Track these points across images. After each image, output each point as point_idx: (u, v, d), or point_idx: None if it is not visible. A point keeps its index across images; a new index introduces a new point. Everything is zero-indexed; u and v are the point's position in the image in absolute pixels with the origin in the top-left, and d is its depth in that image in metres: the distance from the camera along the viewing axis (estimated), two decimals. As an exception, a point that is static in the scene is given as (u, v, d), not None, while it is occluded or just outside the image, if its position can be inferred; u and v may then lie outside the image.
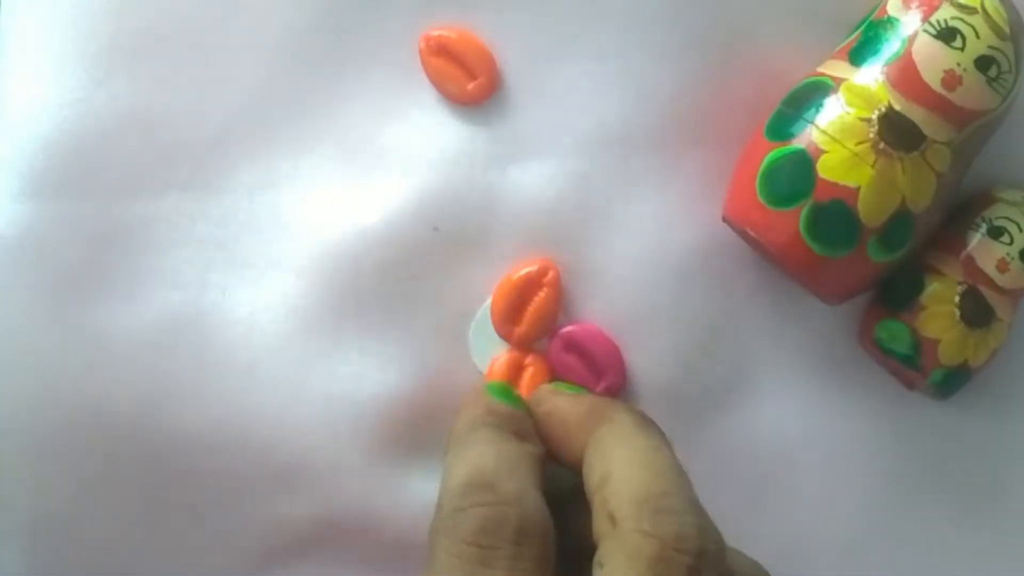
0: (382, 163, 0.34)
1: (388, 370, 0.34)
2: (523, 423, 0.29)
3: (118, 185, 0.34)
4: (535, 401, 0.30)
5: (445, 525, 0.25)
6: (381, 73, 0.34)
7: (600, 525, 0.25)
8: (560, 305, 0.34)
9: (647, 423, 0.28)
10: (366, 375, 0.34)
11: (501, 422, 0.29)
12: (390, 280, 0.34)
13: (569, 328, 0.34)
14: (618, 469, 0.26)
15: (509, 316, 0.34)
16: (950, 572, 0.35)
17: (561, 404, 0.29)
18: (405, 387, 0.34)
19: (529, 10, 0.34)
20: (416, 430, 0.34)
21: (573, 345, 0.34)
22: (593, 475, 0.26)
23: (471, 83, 0.34)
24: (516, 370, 0.34)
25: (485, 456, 0.27)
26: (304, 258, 0.34)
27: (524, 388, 0.34)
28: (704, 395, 0.34)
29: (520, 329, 0.34)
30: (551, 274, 0.34)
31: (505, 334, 0.34)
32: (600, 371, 0.34)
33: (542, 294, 0.34)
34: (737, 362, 0.35)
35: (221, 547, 0.34)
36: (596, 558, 0.24)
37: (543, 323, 0.34)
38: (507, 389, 0.31)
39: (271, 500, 0.34)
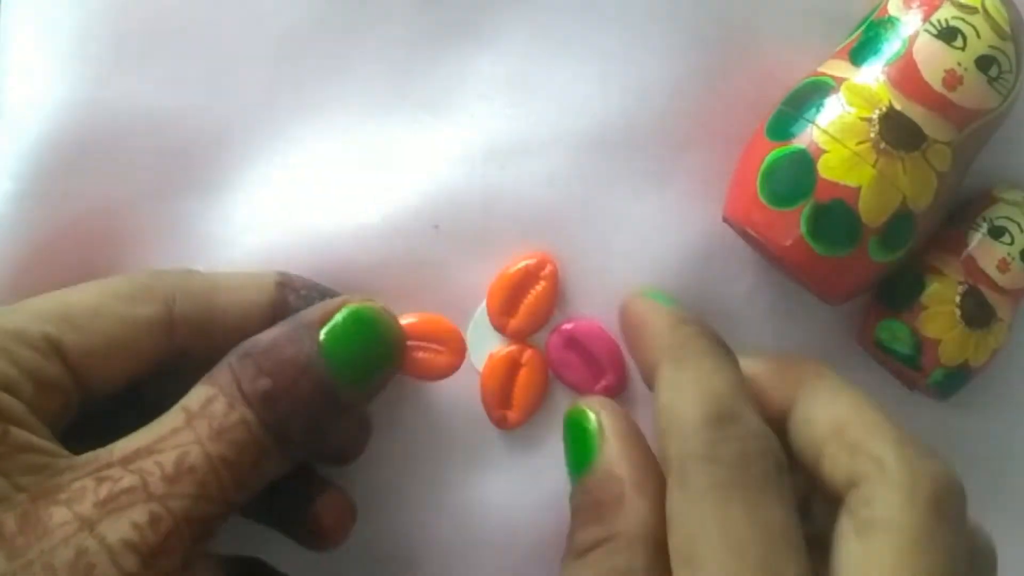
0: (383, 161, 0.34)
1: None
2: (719, 337, 0.29)
3: (120, 184, 0.34)
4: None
5: (701, 451, 0.25)
6: (382, 71, 0.34)
7: (858, 467, 0.25)
8: (556, 300, 0.34)
9: (843, 378, 0.28)
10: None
11: (706, 334, 0.29)
12: (389, 278, 0.34)
13: (569, 324, 0.34)
14: (852, 416, 0.27)
15: (505, 308, 0.34)
16: None
17: (745, 364, 0.29)
18: (403, 384, 0.34)
19: (529, 9, 0.34)
20: (415, 430, 0.34)
21: (573, 342, 0.34)
22: (818, 426, 0.27)
23: None
24: (513, 367, 0.34)
25: (719, 381, 0.27)
26: (304, 255, 0.34)
27: (519, 386, 0.34)
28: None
29: (515, 322, 0.34)
30: (549, 268, 0.34)
31: (500, 325, 0.34)
32: (600, 370, 0.34)
33: (539, 288, 0.34)
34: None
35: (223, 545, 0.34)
36: (856, 499, 0.25)
37: (538, 317, 0.34)
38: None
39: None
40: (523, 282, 0.34)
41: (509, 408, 0.34)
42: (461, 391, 0.34)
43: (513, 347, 0.34)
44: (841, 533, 0.25)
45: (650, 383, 0.28)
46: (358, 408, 0.30)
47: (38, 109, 0.33)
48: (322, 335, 0.29)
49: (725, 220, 0.33)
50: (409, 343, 0.32)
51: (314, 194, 0.34)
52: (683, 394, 0.27)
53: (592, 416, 0.29)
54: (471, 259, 0.34)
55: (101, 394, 0.29)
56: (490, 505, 0.34)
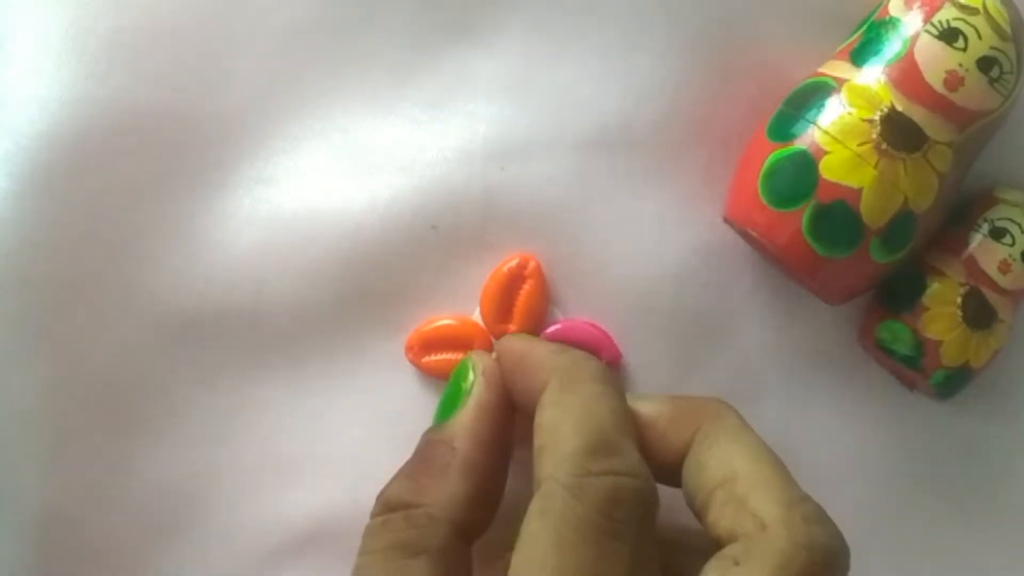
0: (381, 160, 0.34)
1: (386, 368, 0.34)
2: (605, 369, 0.28)
3: (117, 183, 0.33)
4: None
5: (569, 482, 0.25)
6: (382, 70, 0.34)
7: (740, 523, 0.25)
8: (547, 295, 0.34)
9: (744, 420, 0.28)
10: (363, 371, 0.34)
11: (591, 357, 0.28)
12: (387, 278, 0.34)
13: (554, 327, 0.34)
14: (745, 466, 0.26)
15: (500, 315, 0.33)
16: (949, 572, 0.35)
17: (644, 407, 0.29)
18: (405, 384, 0.34)
19: (529, 9, 0.34)
20: (413, 431, 0.34)
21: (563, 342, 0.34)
22: (710, 471, 0.26)
23: None
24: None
25: (602, 411, 0.26)
26: (303, 254, 0.34)
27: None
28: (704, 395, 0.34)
29: (513, 327, 0.33)
30: (532, 265, 0.33)
31: (498, 333, 0.33)
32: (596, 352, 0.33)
33: (527, 287, 0.33)
34: (737, 362, 0.35)
35: (223, 544, 0.34)
36: (728, 553, 0.24)
37: (534, 317, 0.33)
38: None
39: (272, 496, 0.34)
40: (511, 285, 0.33)
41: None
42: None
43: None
44: None
45: (532, 409, 0.28)
46: None
47: (34, 107, 0.33)
48: None
49: (725, 220, 0.33)
50: None
51: (313, 194, 0.34)
52: (566, 415, 0.26)
53: (471, 376, 0.30)
54: (470, 260, 0.34)
55: None
56: None
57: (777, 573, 0.23)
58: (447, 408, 0.30)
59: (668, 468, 0.27)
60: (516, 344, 0.31)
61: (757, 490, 0.25)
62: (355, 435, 0.34)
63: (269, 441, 0.34)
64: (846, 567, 0.24)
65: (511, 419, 0.30)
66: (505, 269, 0.33)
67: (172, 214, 0.34)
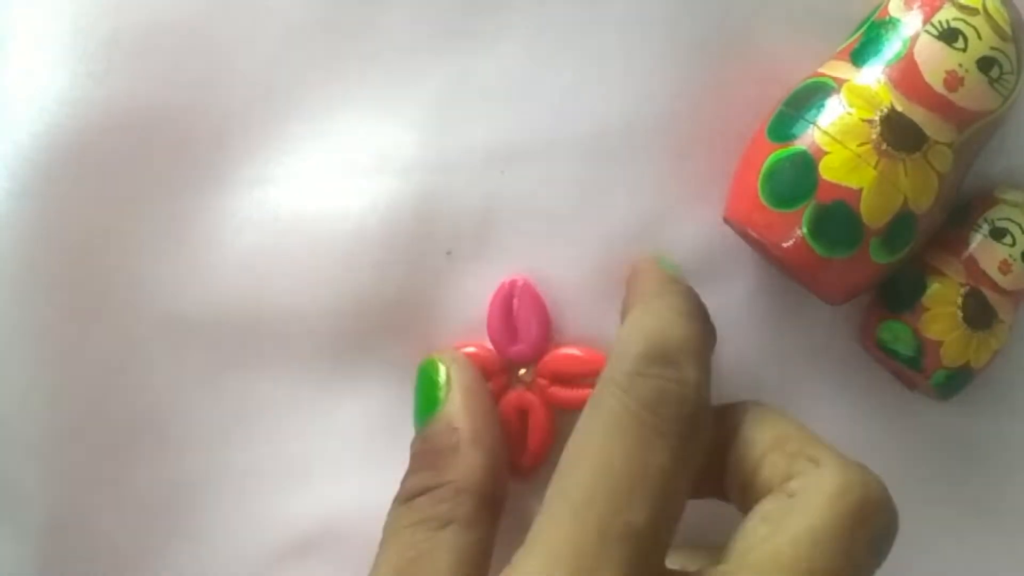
0: (381, 162, 0.34)
1: (386, 370, 0.34)
2: (702, 306, 0.29)
3: (116, 183, 0.33)
4: None
5: (621, 380, 0.26)
6: (381, 72, 0.34)
7: (795, 465, 0.26)
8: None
9: None
10: (364, 373, 0.34)
11: (688, 294, 0.29)
12: (386, 279, 0.34)
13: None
14: (796, 431, 0.27)
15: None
16: (949, 571, 0.35)
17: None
18: (405, 386, 0.34)
19: (530, 11, 0.34)
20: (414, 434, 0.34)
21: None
22: (759, 444, 0.27)
23: None
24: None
25: (673, 328, 0.27)
26: (303, 256, 0.34)
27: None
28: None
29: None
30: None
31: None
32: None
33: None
34: (736, 362, 0.35)
35: (225, 546, 0.34)
36: (783, 488, 0.25)
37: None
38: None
39: (274, 498, 0.34)
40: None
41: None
42: None
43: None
44: (754, 512, 0.25)
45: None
46: None
47: (34, 107, 0.33)
48: None
49: (726, 221, 0.33)
50: None
51: (313, 195, 0.34)
52: (637, 329, 0.27)
53: (442, 369, 0.31)
54: (470, 262, 0.34)
55: None
56: None
57: (833, 502, 0.24)
58: (426, 406, 0.31)
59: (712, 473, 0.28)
60: (640, 265, 0.32)
61: (811, 444, 0.26)
62: (356, 437, 0.34)
63: (269, 443, 0.34)
64: (896, 522, 0.25)
65: (492, 396, 0.32)
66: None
67: (172, 215, 0.34)
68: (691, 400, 0.26)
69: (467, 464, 0.29)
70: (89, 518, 0.34)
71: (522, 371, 0.34)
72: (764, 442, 0.27)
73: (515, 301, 0.33)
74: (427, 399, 0.31)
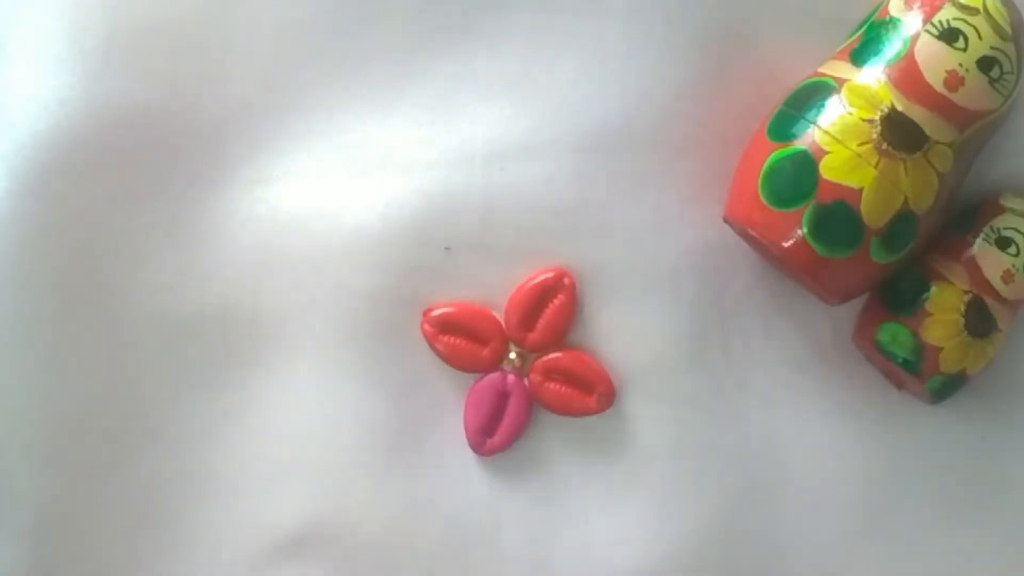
0: (381, 161, 0.34)
1: (382, 370, 0.34)
2: None
3: (115, 181, 0.33)
4: None
5: None
6: (381, 71, 0.34)
7: None
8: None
9: None
10: (359, 374, 0.34)
11: None
12: (386, 279, 0.34)
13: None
14: None
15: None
16: (939, 572, 0.35)
17: None
18: (400, 387, 0.34)
19: (530, 10, 0.34)
20: (407, 435, 0.34)
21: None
22: None
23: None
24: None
25: None
26: (302, 255, 0.34)
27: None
28: (700, 394, 0.34)
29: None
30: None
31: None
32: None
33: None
34: (734, 361, 0.35)
35: (217, 544, 0.34)
36: None
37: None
38: None
39: (265, 497, 0.34)
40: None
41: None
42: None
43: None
44: None
45: None
46: None
47: (33, 107, 0.33)
48: None
49: (725, 220, 0.33)
50: None
51: (312, 194, 0.34)
52: None
53: None
54: (469, 260, 0.34)
55: None
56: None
57: None
58: None
59: None
60: None
61: None
62: (348, 438, 0.34)
63: (263, 442, 0.34)
64: None
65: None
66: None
67: (170, 214, 0.34)
68: None
69: None
70: (81, 518, 0.34)
71: (512, 355, 0.34)
72: None
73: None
74: None
